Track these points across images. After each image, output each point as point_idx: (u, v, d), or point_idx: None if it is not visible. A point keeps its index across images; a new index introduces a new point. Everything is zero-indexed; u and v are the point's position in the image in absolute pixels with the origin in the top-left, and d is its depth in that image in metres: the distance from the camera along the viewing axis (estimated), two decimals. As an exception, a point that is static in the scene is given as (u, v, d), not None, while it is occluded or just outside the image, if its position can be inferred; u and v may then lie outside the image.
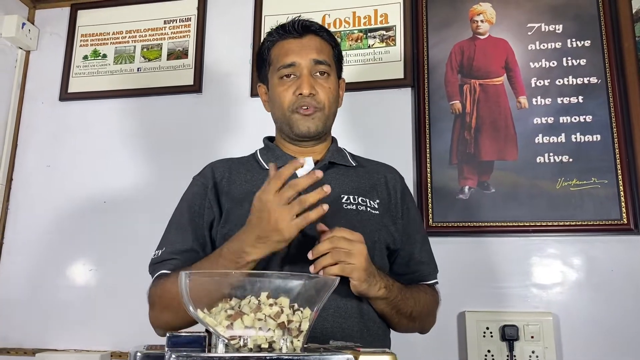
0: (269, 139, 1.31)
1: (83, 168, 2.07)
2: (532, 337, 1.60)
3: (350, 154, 1.32)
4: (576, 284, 1.67)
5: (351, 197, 1.17)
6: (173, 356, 0.61)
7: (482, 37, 1.87)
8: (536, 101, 1.78)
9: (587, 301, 1.65)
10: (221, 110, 2.03)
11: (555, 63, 1.80)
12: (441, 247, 1.74)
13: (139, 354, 0.63)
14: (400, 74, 1.91)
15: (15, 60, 2.18)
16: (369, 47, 1.96)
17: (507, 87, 1.81)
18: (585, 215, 1.67)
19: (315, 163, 1.22)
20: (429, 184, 1.79)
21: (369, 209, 1.17)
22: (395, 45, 1.94)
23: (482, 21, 1.88)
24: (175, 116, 2.07)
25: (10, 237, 2.06)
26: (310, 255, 0.96)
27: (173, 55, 2.11)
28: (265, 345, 0.67)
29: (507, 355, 1.60)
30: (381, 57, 1.94)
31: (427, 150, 1.81)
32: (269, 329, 0.67)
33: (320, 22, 1.96)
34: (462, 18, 1.90)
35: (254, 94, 1.97)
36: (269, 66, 1.23)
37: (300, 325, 0.69)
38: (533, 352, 1.59)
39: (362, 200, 1.17)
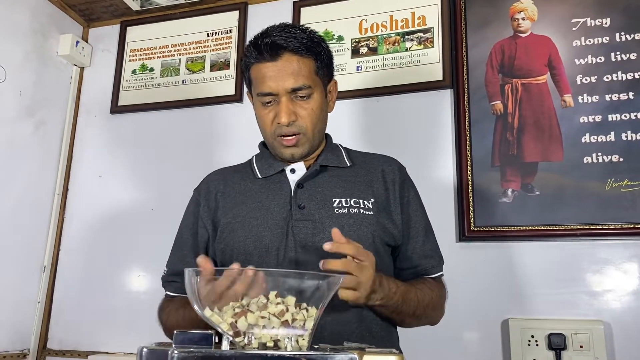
0: (264, 145, 1.28)
1: (132, 177, 2.16)
2: (581, 346, 1.52)
3: (346, 150, 1.28)
4: (630, 290, 1.57)
5: (343, 200, 1.14)
6: (175, 352, 0.62)
7: (523, 35, 1.81)
8: (582, 99, 1.70)
9: (643, 309, 1.55)
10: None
11: (603, 59, 1.71)
12: (483, 253, 1.70)
13: (144, 349, 0.65)
14: (439, 76, 1.88)
15: (70, 76, 2.30)
16: (406, 50, 1.94)
17: (551, 86, 1.74)
18: (639, 217, 1.57)
19: (308, 167, 1.20)
20: (470, 187, 1.74)
21: (362, 210, 1.14)
22: (433, 47, 1.91)
23: (523, 19, 1.82)
24: (218, 125, 2.12)
25: (66, 244, 2.17)
26: (321, 265, 0.91)
27: (216, 66, 2.17)
28: (271, 344, 0.67)
29: (554, 365, 1.53)
30: (419, 59, 1.91)
31: (468, 152, 1.77)
32: (273, 326, 0.67)
33: (357, 28, 2.01)
34: (503, 16, 1.85)
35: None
36: (249, 84, 1.20)
37: (304, 324, 0.68)
38: (582, 362, 1.51)
39: (354, 202, 1.14)
